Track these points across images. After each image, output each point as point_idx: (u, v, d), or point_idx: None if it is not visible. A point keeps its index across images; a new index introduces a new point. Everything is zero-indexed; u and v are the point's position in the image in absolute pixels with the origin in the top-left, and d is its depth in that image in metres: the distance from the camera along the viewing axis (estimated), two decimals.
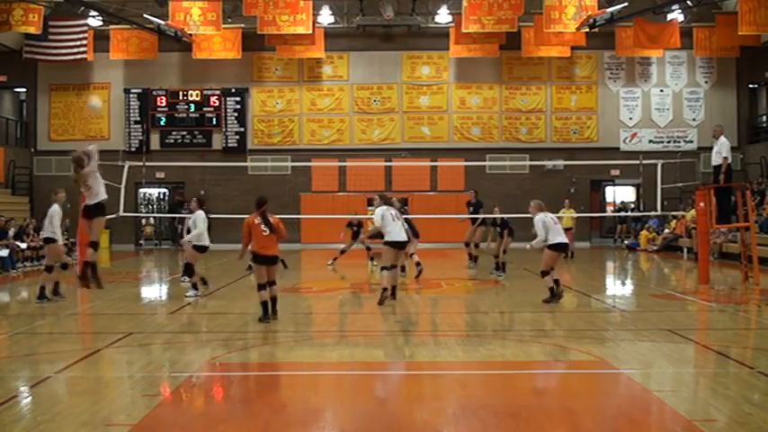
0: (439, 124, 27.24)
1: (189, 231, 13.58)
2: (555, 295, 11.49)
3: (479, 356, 8.13)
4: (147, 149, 26.65)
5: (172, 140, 27.22)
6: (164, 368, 7.58)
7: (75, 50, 24.49)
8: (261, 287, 10.04)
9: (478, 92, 27.23)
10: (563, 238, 11.63)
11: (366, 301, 12.90)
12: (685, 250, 21.62)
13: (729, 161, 14.40)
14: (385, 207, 12.16)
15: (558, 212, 18.13)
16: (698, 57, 26.27)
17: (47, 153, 27.30)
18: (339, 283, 15.41)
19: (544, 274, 11.55)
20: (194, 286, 12.65)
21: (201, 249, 12.68)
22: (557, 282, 11.61)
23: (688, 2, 23.28)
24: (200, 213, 12.72)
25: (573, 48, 25.43)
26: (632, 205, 27.04)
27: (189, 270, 12.79)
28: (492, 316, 10.68)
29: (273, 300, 10.21)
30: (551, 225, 11.52)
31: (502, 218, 15.87)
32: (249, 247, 10.25)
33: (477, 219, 17.01)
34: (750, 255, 13.96)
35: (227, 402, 6.57)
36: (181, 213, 26.11)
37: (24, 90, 28.00)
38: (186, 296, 12.51)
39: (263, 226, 10.01)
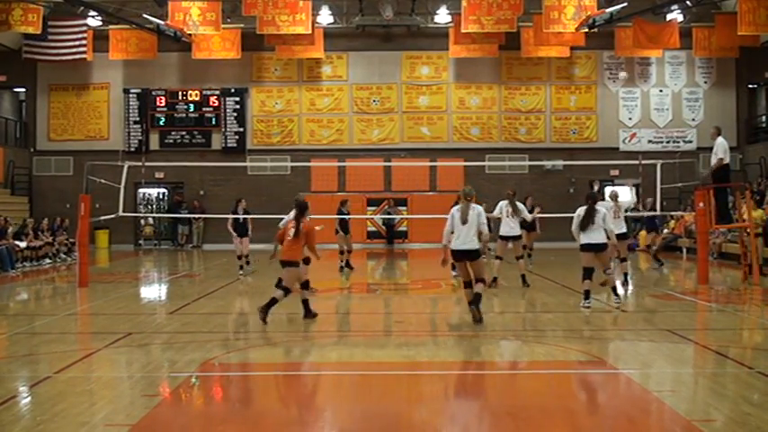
0: (438, 124, 27.24)
1: None
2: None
3: (479, 356, 8.13)
4: (146, 149, 26.64)
5: (171, 140, 27.20)
6: (163, 368, 7.57)
7: (75, 50, 24.48)
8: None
9: (478, 92, 27.24)
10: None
11: (366, 301, 12.90)
12: (684, 250, 21.62)
13: (725, 162, 14.42)
14: (504, 202, 13.76)
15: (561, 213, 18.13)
16: (697, 57, 26.27)
17: (46, 153, 27.29)
18: (339, 283, 15.41)
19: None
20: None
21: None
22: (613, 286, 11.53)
23: (687, 2, 23.28)
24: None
25: (572, 48, 25.42)
26: (631, 205, 27.03)
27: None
28: (492, 316, 10.67)
29: (304, 302, 10.33)
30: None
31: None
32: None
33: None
34: (749, 254, 13.99)
35: (226, 402, 6.57)
36: (180, 213, 26.19)
37: (24, 90, 27.98)
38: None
39: (291, 230, 10.22)
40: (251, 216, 16.80)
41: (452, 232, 9.92)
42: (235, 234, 16.37)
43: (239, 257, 16.47)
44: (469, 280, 9.91)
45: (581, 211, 11.18)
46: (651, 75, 27.26)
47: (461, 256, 9.87)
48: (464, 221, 9.76)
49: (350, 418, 5.95)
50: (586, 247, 11.05)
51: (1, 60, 26.42)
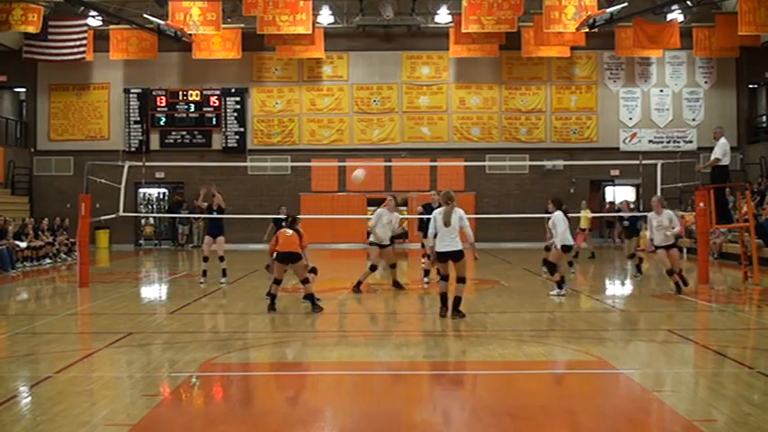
0: (438, 124, 27.25)
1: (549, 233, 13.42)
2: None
3: (479, 356, 8.13)
4: (146, 149, 26.66)
5: (171, 140, 27.22)
6: (163, 368, 7.57)
7: (75, 50, 24.49)
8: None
9: (478, 92, 27.24)
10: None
11: (366, 301, 12.90)
12: (685, 250, 21.60)
13: (723, 163, 14.38)
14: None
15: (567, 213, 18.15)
16: (697, 57, 26.29)
17: (46, 153, 27.32)
18: (339, 284, 15.40)
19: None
20: (558, 285, 12.51)
21: (566, 249, 12.66)
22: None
23: (688, 2, 23.29)
24: (559, 214, 12.52)
25: (573, 48, 25.44)
26: (632, 205, 27.03)
27: (551, 268, 12.76)
28: (492, 316, 10.67)
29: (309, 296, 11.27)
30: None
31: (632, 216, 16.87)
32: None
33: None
34: (750, 254, 13.98)
35: (226, 402, 6.57)
36: (180, 213, 26.20)
37: (24, 90, 28.02)
38: (550, 294, 12.53)
39: (287, 230, 11.13)
40: (231, 216, 15.33)
41: (435, 235, 10.30)
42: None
43: (221, 259, 14.73)
44: (448, 273, 10.36)
45: (560, 215, 12.50)
46: (651, 75, 27.27)
47: (446, 257, 10.26)
48: (446, 224, 10.13)
49: (350, 418, 5.95)
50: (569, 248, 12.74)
51: (1, 60, 26.45)
